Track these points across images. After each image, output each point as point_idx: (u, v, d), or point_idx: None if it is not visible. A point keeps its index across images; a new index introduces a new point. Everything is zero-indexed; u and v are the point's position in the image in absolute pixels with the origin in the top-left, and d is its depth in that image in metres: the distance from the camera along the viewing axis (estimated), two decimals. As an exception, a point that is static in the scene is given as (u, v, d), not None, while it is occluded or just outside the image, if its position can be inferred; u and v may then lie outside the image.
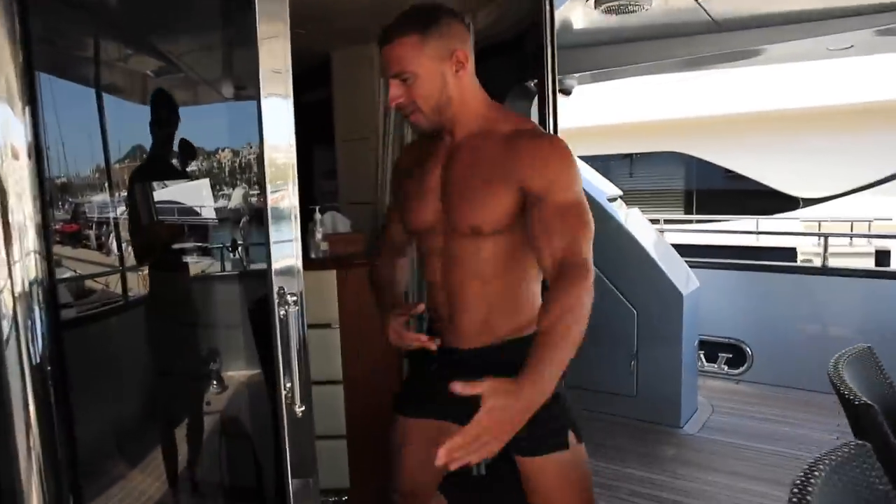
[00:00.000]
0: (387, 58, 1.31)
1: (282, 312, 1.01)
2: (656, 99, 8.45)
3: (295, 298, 1.02)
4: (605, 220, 3.40)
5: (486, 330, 1.40)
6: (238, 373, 1.77)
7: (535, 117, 3.40)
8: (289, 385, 1.01)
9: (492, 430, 1.08)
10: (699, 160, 9.34)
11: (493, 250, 1.34)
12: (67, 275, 1.20)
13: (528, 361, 1.14)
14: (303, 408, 1.02)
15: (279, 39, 1.09)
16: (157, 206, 1.79)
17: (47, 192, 1.06)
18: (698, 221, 8.57)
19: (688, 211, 9.76)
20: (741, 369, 3.95)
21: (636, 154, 10.22)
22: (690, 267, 3.59)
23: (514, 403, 1.09)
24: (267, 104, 1.08)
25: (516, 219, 1.31)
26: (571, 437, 1.37)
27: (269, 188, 1.05)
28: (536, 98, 2.55)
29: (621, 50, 3.37)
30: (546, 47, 2.38)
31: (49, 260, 1.02)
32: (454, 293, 1.40)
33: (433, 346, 1.41)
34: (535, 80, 3.02)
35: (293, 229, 1.08)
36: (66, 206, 1.29)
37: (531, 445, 1.34)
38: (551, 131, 2.40)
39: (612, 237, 3.39)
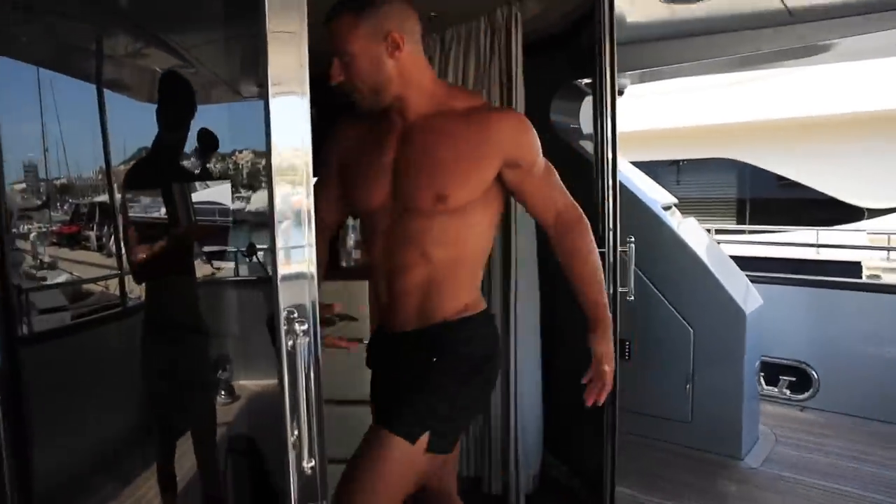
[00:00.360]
0: (329, 36, 1.33)
1: (290, 343, 0.81)
2: (707, 102, 8.07)
3: (305, 327, 0.82)
4: (658, 230, 3.14)
5: (427, 312, 1.43)
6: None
7: (584, 119, 3.21)
8: (296, 433, 0.81)
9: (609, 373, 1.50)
10: (753, 167, 8.87)
11: (442, 229, 1.38)
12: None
13: (592, 310, 1.51)
14: (312, 463, 0.82)
15: (293, 31, 0.92)
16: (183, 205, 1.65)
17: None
18: (751, 232, 8.14)
19: (740, 221, 9.29)
20: (805, 395, 3.61)
21: (684, 161, 9.80)
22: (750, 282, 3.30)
23: (609, 349, 1.52)
24: (277, 102, 0.91)
25: (482, 192, 1.39)
26: (424, 438, 1.33)
27: (276, 189, 0.87)
28: (591, 99, 2.32)
29: (680, 45, 3.10)
30: (603, 41, 2.15)
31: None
32: (397, 275, 1.42)
33: (344, 346, 1.46)
34: (587, 80, 2.83)
35: (305, 236, 0.89)
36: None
37: (387, 415, 1.39)
38: (609, 136, 2.17)
39: (667, 249, 3.12)
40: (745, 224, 9.03)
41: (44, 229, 1.26)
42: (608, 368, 1.50)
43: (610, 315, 1.51)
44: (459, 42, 2.64)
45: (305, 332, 0.81)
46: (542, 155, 1.45)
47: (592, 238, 1.51)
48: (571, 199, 1.51)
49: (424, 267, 1.41)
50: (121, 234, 1.55)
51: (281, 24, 0.93)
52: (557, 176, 1.50)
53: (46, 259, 1.24)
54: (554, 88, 3.01)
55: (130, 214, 1.60)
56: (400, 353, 1.47)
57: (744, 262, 3.85)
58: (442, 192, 1.34)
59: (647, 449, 3.04)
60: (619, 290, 2.12)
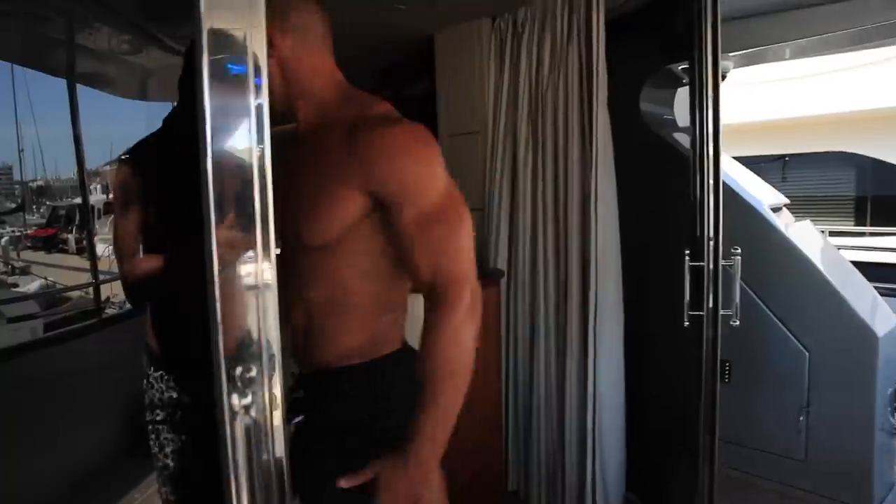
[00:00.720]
0: None
1: (233, 427, 0.54)
2: (818, 90, 7.27)
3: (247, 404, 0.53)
4: (765, 235, 2.72)
5: (324, 354, 1.19)
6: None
7: (680, 109, 2.84)
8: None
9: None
10: (875, 161, 7.88)
11: (315, 267, 1.15)
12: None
13: (411, 426, 1.06)
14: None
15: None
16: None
17: None
18: (874, 234, 7.25)
19: (859, 221, 8.31)
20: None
21: (790, 155, 8.90)
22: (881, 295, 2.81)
23: (404, 479, 1.05)
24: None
25: (360, 229, 1.11)
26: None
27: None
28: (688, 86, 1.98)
29: (790, 19, 2.66)
30: (703, 17, 1.81)
31: None
32: (295, 311, 1.20)
33: None
34: (683, 64, 2.48)
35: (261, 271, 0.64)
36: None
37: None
38: (710, 127, 1.83)
39: (776, 257, 2.70)
40: (865, 225, 8.05)
41: (17, 233, 1.09)
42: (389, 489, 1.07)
43: (425, 452, 1.06)
44: (533, 23, 2.37)
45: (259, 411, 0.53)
46: (433, 194, 1.08)
47: (462, 339, 1.05)
48: (455, 269, 1.07)
49: (302, 308, 1.19)
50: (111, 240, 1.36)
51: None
52: (454, 232, 1.08)
53: (19, 264, 1.07)
54: (643, 75, 2.67)
55: (128, 211, 1.41)
56: (308, 398, 1.23)
57: (866, 270, 3.32)
58: (296, 227, 1.12)
59: (750, 489, 2.64)
60: (721, 312, 1.77)
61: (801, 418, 2.62)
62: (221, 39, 0.62)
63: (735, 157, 3.54)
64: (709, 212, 1.80)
